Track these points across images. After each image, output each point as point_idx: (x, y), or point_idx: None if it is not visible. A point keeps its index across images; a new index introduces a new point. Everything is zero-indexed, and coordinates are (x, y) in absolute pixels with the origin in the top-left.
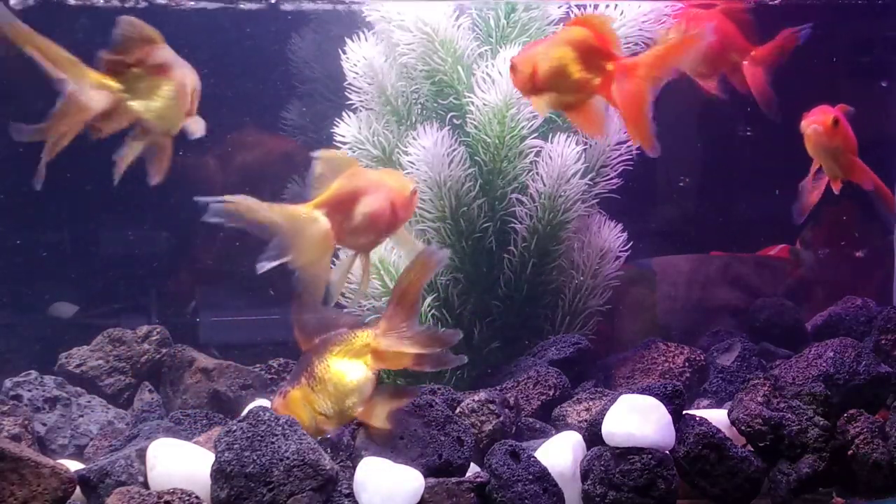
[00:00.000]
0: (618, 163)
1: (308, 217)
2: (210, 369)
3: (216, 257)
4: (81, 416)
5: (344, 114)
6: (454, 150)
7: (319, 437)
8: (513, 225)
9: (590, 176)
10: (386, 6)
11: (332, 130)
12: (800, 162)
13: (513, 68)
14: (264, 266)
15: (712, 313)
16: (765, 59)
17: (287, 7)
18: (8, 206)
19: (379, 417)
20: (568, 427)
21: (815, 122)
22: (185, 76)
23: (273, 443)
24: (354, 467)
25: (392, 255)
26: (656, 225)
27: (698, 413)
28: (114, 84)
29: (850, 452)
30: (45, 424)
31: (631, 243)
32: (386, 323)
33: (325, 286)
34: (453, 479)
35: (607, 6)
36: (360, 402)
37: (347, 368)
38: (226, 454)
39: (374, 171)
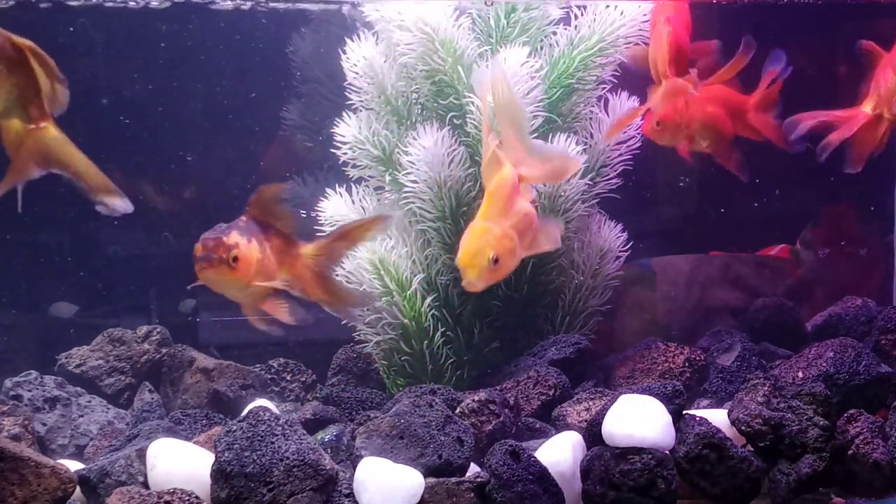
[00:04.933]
0: (618, 163)
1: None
2: (210, 369)
3: None
4: (81, 416)
5: (344, 114)
6: (454, 150)
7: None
8: None
9: (590, 176)
10: (386, 6)
11: (332, 130)
12: (800, 161)
13: None
14: None
15: (712, 313)
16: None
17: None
18: (7, 206)
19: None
20: (568, 427)
21: None
22: None
23: (273, 443)
24: (354, 467)
25: (392, 254)
26: (656, 225)
27: (698, 413)
28: None
29: (850, 452)
30: (45, 424)
31: (631, 243)
32: (317, 248)
33: None
34: (453, 479)
35: (607, 6)
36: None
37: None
38: (226, 454)
39: None
